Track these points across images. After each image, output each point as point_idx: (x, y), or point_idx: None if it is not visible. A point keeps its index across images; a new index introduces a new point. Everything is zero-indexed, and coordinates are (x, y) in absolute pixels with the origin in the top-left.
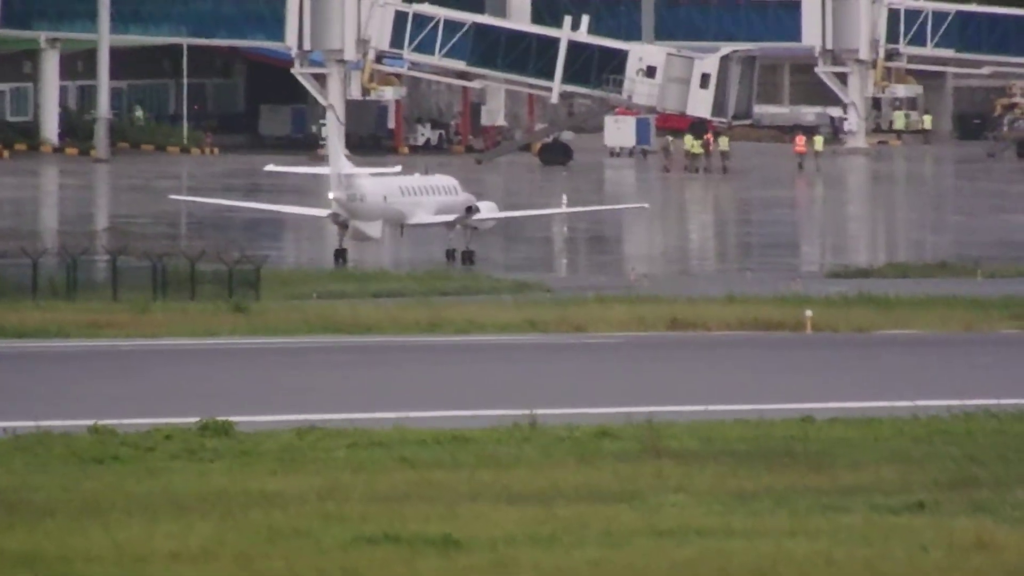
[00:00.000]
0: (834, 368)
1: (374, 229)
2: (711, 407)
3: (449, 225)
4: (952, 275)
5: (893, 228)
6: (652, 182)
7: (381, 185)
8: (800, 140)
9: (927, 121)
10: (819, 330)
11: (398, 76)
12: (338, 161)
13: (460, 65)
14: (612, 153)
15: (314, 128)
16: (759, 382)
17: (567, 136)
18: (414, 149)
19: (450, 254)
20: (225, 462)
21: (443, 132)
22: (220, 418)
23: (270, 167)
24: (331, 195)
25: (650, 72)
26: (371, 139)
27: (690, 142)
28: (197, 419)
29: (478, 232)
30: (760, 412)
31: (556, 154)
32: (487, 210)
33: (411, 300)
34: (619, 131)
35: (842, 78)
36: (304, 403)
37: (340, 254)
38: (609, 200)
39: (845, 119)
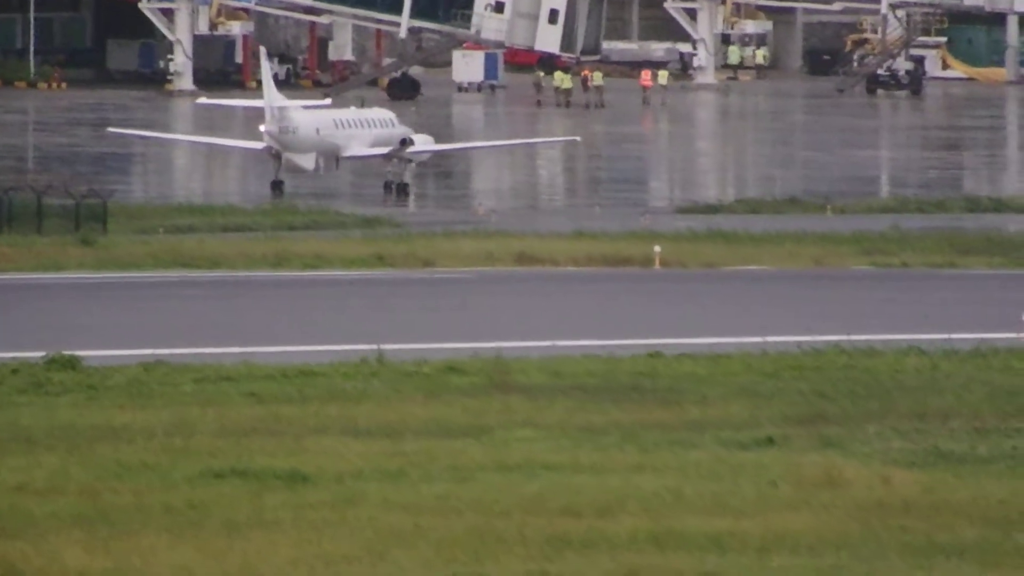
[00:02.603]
0: (683, 304)
1: (307, 161)
2: (559, 342)
3: (387, 158)
4: (802, 211)
5: (743, 164)
6: (503, 117)
7: (314, 118)
8: (646, 75)
9: (769, 57)
10: (668, 266)
11: (246, 11)
12: (271, 94)
13: (307, 0)
14: (460, 88)
15: (162, 63)
16: (607, 318)
17: (415, 71)
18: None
19: (388, 187)
20: (72, 396)
21: (291, 67)
22: (67, 352)
23: (202, 100)
24: (263, 128)
25: (498, 7)
26: (219, 74)
27: (560, 77)
28: (43, 353)
29: (413, 165)
30: (608, 348)
31: (404, 89)
32: (422, 143)
33: (259, 235)
34: (467, 66)
35: (691, 14)
36: (151, 337)
37: (276, 186)
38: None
39: (694, 55)
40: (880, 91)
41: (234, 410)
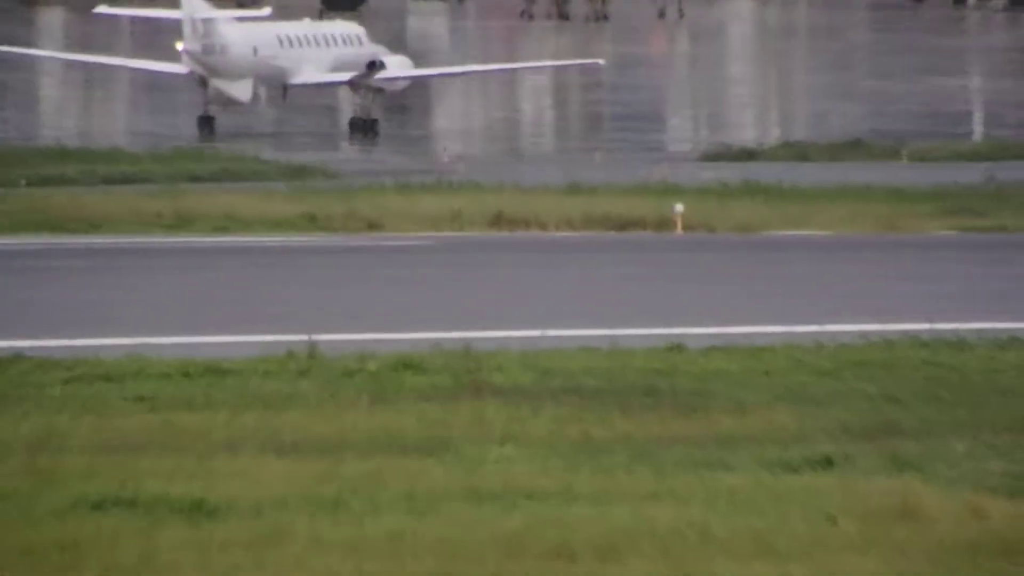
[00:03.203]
0: (711, 280)
1: (241, 90)
2: (549, 332)
3: (350, 85)
4: (867, 157)
5: (788, 96)
6: (477, 35)
7: (251, 34)
8: None
9: None
10: (692, 230)
11: None
12: (191, 1)
13: None
14: None
15: None
16: (613, 299)
17: None
18: None
19: (354, 125)
20: None
21: None
22: None
23: (102, 9)
24: (182, 47)
25: None
26: None
27: None
28: None
29: (384, 95)
30: (614, 338)
31: None
32: (396, 66)
33: (153, 188)
34: None
35: None
36: (8, 323)
37: (205, 122)
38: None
39: None
40: (970, 1)
41: (118, 419)
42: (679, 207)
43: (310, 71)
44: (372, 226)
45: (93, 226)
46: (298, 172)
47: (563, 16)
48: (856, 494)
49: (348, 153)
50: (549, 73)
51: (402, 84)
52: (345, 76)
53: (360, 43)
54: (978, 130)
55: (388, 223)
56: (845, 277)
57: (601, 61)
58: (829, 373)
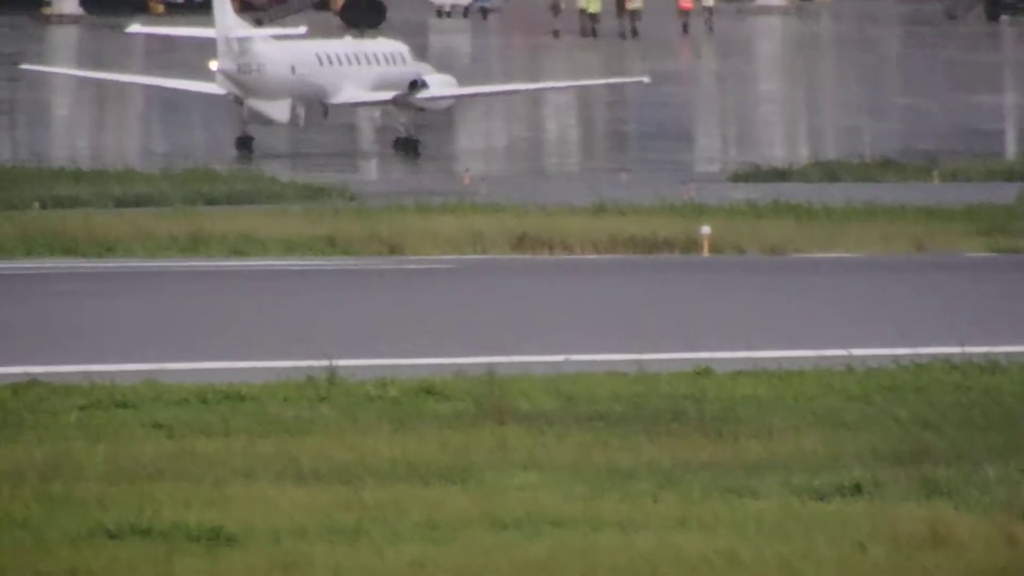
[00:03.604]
0: (739, 303)
1: (279, 110)
2: (574, 356)
3: (396, 105)
4: (900, 177)
5: (819, 114)
6: (509, 53)
7: (287, 52)
8: None
9: None
10: (720, 252)
11: None
12: (225, 18)
13: None
14: (440, 12)
15: None
16: (639, 322)
17: None
18: (172, 7)
19: (398, 144)
20: None
21: None
22: None
23: (135, 27)
24: (215, 65)
25: None
26: None
27: None
28: None
29: (426, 114)
30: (640, 362)
31: (364, 13)
32: (439, 85)
33: (168, 210)
34: None
35: None
36: (22, 349)
37: (244, 143)
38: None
39: None
40: (1004, 16)
41: (134, 446)
42: (706, 228)
43: (351, 90)
44: (393, 248)
45: (107, 248)
46: (317, 193)
47: (592, 33)
48: (886, 521)
49: (371, 173)
50: (576, 91)
51: (445, 103)
52: (387, 95)
53: (403, 61)
54: (1012, 148)
55: (409, 245)
56: (875, 299)
57: (647, 79)
58: (859, 397)
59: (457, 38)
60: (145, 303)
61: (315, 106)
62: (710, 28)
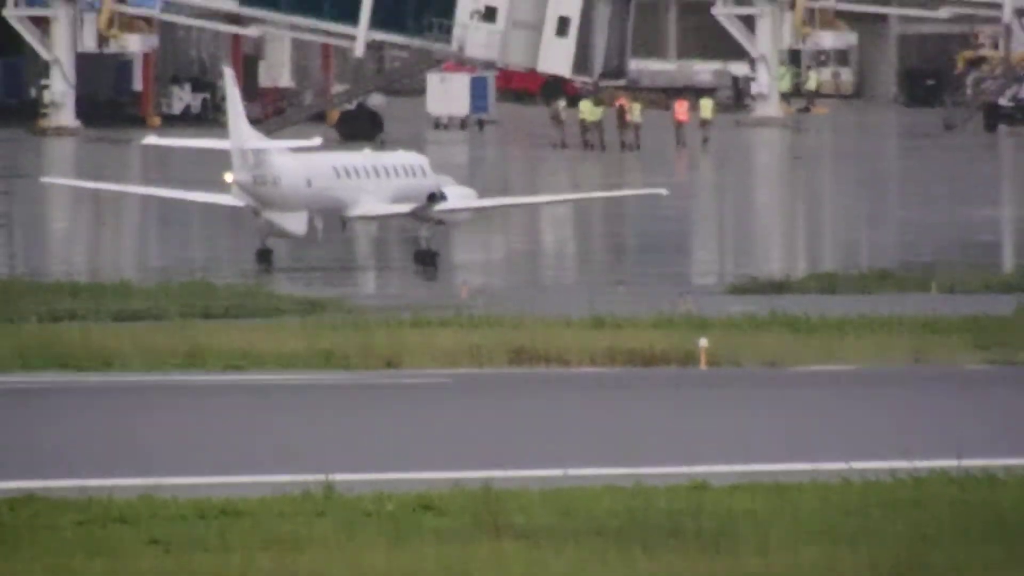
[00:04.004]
0: (737, 416)
1: (296, 223)
2: (571, 471)
3: (416, 217)
4: (897, 289)
5: (817, 226)
6: (511, 164)
7: (303, 164)
8: (681, 106)
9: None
10: (717, 364)
11: (147, 21)
12: (240, 130)
13: (230, 5)
14: (438, 124)
15: (34, 90)
16: (636, 436)
17: (375, 101)
18: (169, 119)
19: (420, 257)
20: None
21: (207, 96)
22: None
23: (150, 140)
24: (230, 177)
25: (489, 14)
26: (109, 105)
27: (589, 108)
28: None
29: (446, 227)
30: (637, 476)
31: (361, 125)
32: (459, 198)
33: (166, 324)
34: (447, 94)
35: (748, 23)
36: (20, 463)
37: (263, 256)
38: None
39: (752, 79)
40: (1002, 126)
41: (132, 562)
42: (704, 341)
43: (369, 203)
44: (389, 363)
45: (104, 363)
46: (314, 307)
47: (592, 145)
48: None
49: (371, 286)
50: (573, 204)
51: (465, 216)
52: (405, 208)
53: (424, 174)
54: (1010, 260)
55: (406, 359)
56: (873, 412)
57: (664, 191)
58: (857, 511)
59: (455, 150)
60: (143, 418)
61: (333, 218)
62: (706, 140)
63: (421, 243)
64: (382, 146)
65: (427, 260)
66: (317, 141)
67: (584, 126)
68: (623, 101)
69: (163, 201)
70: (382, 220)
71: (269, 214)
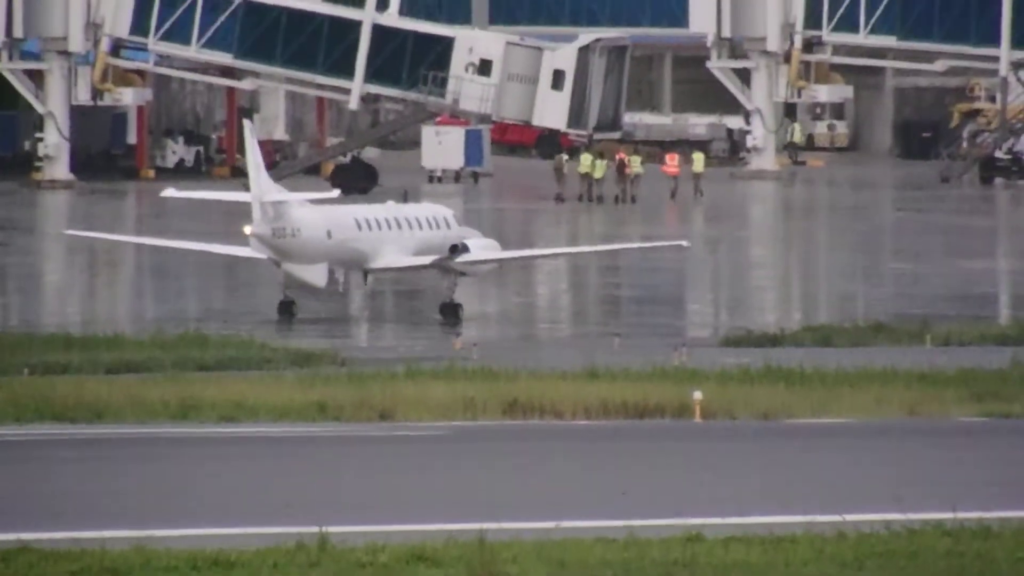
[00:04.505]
0: (731, 469)
1: (315, 274)
2: (565, 523)
3: (437, 269)
4: (892, 341)
5: (812, 279)
6: (507, 218)
7: (324, 216)
8: (671, 159)
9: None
10: (712, 417)
11: (141, 74)
12: (260, 182)
13: (225, 58)
14: (432, 177)
15: (28, 143)
16: (630, 488)
17: (370, 154)
18: (162, 172)
19: (444, 309)
20: None
21: (201, 149)
22: None
23: (169, 192)
24: (249, 230)
25: (484, 68)
26: (103, 157)
27: (589, 162)
28: None
29: (467, 278)
30: (631, 528)
31: (355, 178)
32: (481, 249)
33: (158, 376)
34: (442, 147)
35: (744, 76)
36: (13, 515)
37: (286, 307)
38: None
39: (747, 132)
40: (998, 179)
41: None
42: (698, 394)
43: (390, 255)
44: (383, 415)
45: (97, 415)
46: (307, 359)
47: (591, 198)
48: None
49: (356, 339)
50: (568, 257)
51: (487, 267)
52: (427, 260)
53: (447, 225)
54: (1005, 312)
55: (400, 412)
56: (868, 464)
57: (685, 243)
58: (852, 564)
59: (450, 203)
60: (136, 470)
61: (355, 270)
62: (699, 192)
63: (446, 296)
64: (405, 198)
65: (452, 312)
66: (335, 193)
67: (588, 180)
68: (623, 154)
69: (180, 253)
70: (403, 272)
71: (288, 266)
